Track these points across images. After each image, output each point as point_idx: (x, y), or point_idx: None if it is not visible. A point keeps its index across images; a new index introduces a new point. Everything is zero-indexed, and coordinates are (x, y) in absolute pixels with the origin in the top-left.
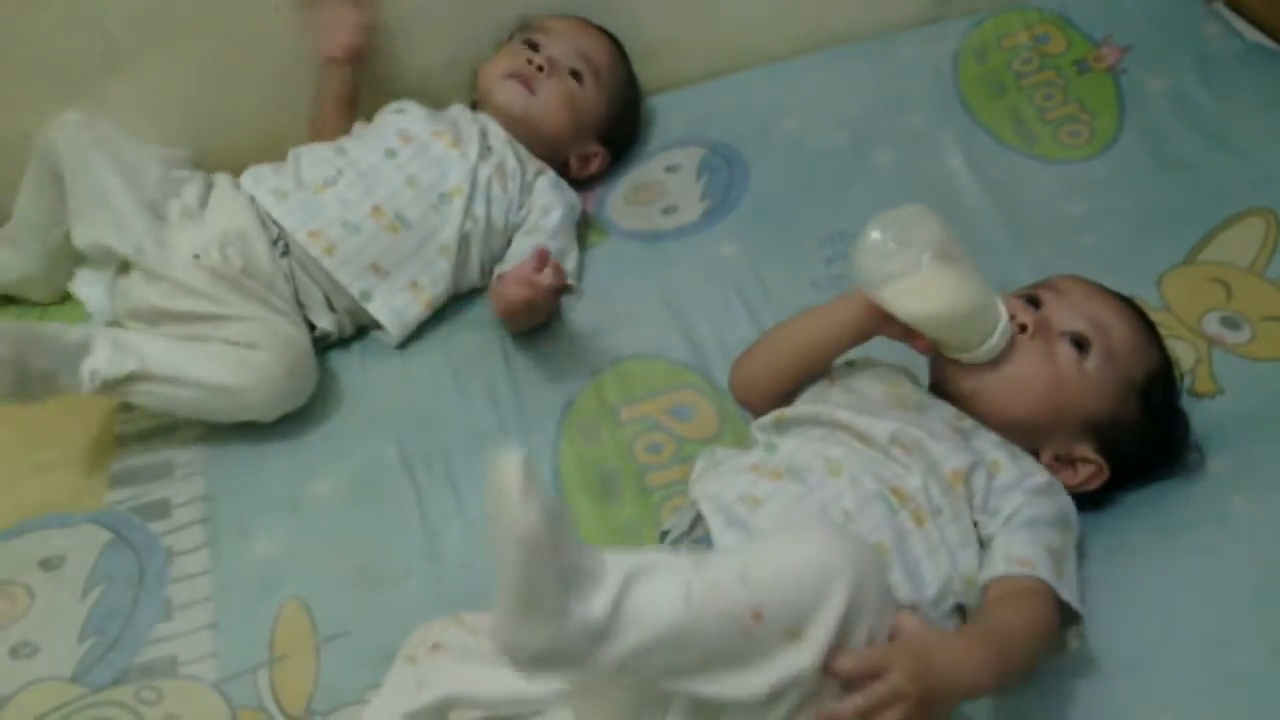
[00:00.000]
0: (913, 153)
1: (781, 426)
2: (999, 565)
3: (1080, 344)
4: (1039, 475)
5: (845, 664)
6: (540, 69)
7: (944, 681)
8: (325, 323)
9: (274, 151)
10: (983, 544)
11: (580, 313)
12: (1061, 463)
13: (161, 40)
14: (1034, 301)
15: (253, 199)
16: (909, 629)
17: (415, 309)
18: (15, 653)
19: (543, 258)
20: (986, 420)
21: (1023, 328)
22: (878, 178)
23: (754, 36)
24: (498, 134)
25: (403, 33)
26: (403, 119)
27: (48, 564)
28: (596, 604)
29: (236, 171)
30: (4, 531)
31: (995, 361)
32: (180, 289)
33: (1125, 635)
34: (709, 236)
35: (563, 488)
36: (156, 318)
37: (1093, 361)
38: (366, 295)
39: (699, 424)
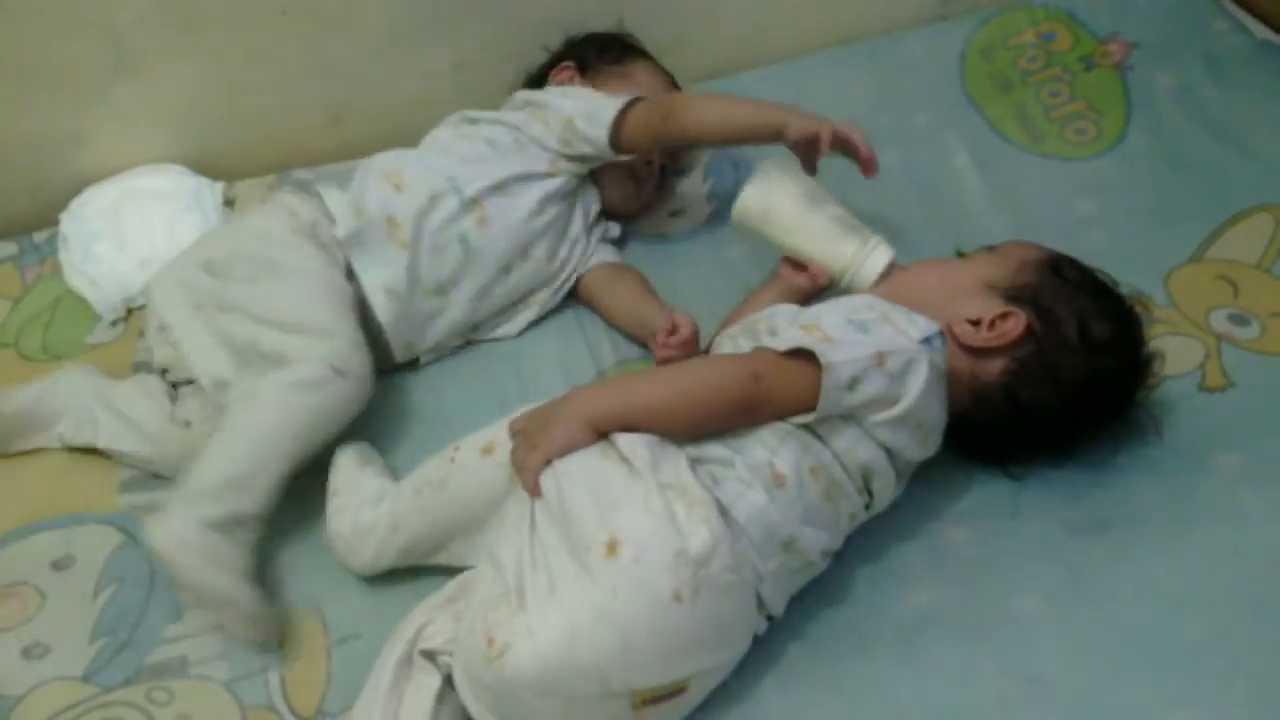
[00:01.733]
0: (919, 151)
1: None
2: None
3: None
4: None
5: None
6: (652, 171)
7: (552, 413)
8: None
9: (278, 152)
10: None
11: (589, 316)
12: (979, 326)
13: (169, 44)
14: None
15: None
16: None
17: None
18: (27, 653)
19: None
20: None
21: None
22: (884, 176)
23: (760, 36)
24: (594, 209)
25: (407, 33)
26: (535, 222)
27: (59, 565)
28: None
29: (241, 174)
30: (15, 532)
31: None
32: None
33: (1136, 632)
34: (716, 238)
35: None
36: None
37: (978, 253)
38: (417, 364)
39: None
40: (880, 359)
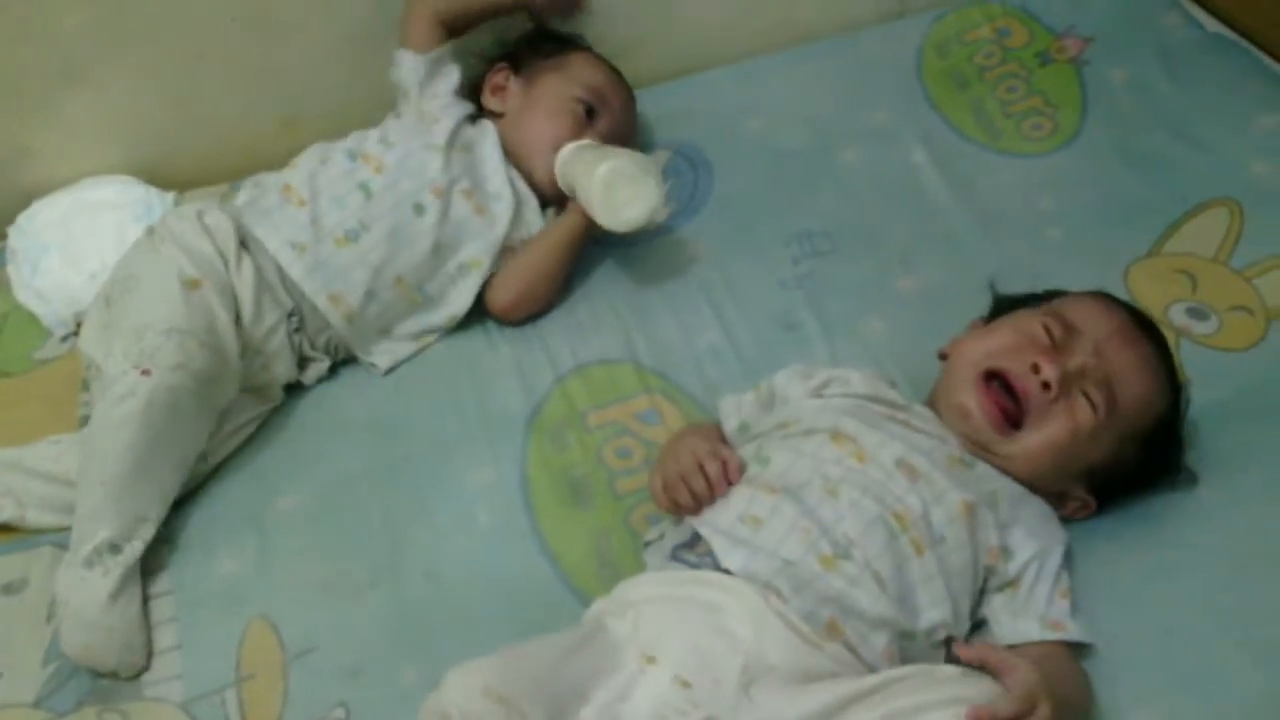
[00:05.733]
0: (877, 150)
1: (771, 430)
2: (1032, 628)
3: (1093, 398)
4: (1037, 503)
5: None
6: (565, 109)
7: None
8: (311, 379)
9: (230, 161)
10: (989, 580)
11: (546, 319)
12: (1051, 496)
13: (117, 53)
14: (1050, 332)
15: (259, 243)
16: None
17: (410, 352)
18: None
19: None
20: (1009, 473)
21: (1045, 385)
22: (843, 176)
23: (717, 36)
24: (529, 197)
25: (358, 38)
26: (434, 163)
27: (10, 589)
28: None
29: (193, 183)
30: None
31: (1026, 430)
32: None
33: (1096, 629)
34: (675, 239)
35: (531, 495)
36: None
37: (1101, 418)
38: (369, 352)
39: (667, 429)
40: None
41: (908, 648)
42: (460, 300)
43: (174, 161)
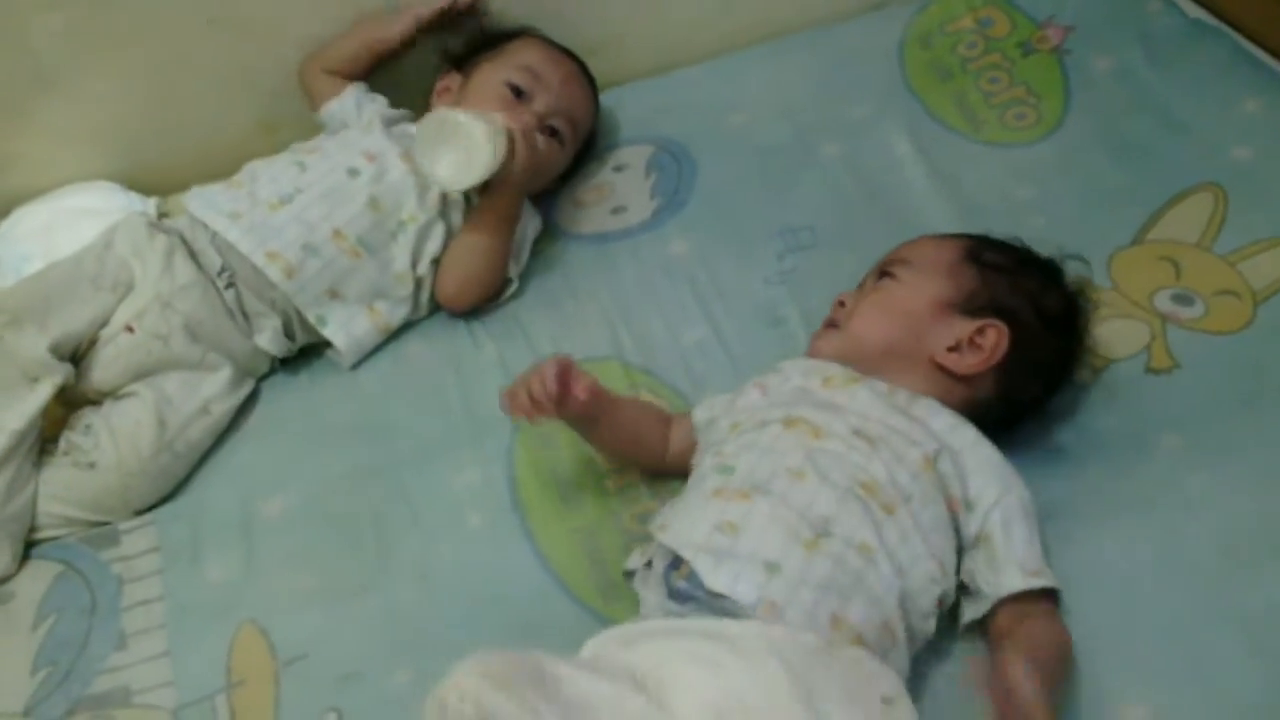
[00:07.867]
0: (860, 142)
1: (725, 434)
2: (1015, 578)
3: (889, 273)
4: (988, 450)
5: None
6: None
7: None
8: (274, 348)
9: (211, 165)
10: (964, 536)
11: (531, 317)
12: (963, 351)
13: (92, 58)
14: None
15: (196, 221)
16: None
17: (372, 334)
18: None
19: None
20: (877, 368)
21: (841, 303)
22: (826, 169)
23: (699, 30)
24: None
25: None
26: (367, 139)
27: None
28: None
29: (174, 188)
30: None
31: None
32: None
33: (1087, 621)
34: (659, 235)
35: (519, 494)
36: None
37: (903, 272)
38: (322, 320)
39: None
40: None
41: (909, 616)
42: (403, 257)
43: (155, 167)
